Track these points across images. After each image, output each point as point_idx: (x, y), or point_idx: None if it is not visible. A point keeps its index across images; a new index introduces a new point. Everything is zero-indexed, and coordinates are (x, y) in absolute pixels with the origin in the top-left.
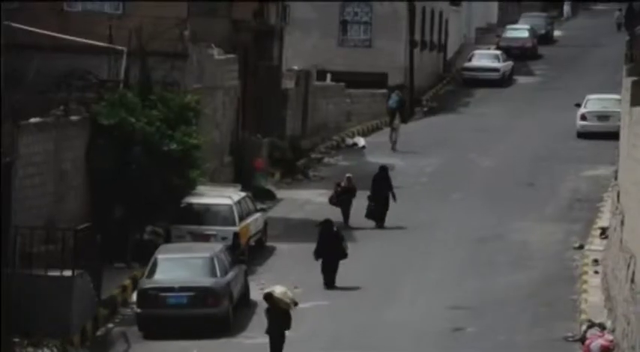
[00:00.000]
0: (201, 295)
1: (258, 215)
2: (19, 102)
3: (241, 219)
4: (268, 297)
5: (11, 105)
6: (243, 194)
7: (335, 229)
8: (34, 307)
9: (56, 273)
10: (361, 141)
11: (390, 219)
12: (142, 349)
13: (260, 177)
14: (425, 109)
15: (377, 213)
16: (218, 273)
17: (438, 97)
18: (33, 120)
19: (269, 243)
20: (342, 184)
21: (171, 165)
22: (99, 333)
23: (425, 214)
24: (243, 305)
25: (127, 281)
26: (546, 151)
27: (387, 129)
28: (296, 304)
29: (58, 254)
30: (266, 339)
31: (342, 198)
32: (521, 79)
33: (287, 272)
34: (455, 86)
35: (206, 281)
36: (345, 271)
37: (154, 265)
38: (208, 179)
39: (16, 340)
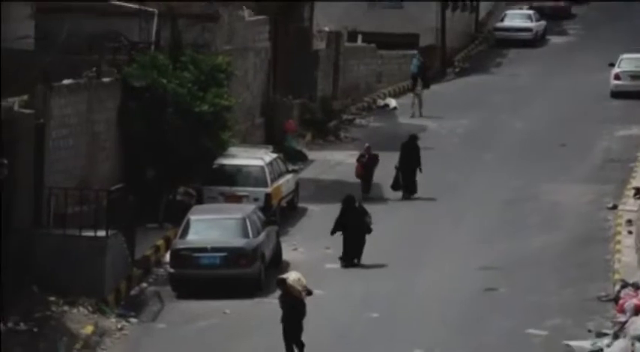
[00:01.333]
0: (233, 256)
1: (289, 176)
2: (52, 64)
3: (273, 180)
4: (281, 283)
5: (43, 68)
6: (274, 155)
7: (357, 204)
8: (69, 267)
9: (90, 234)
10: (392, 103)
11: (421, 182)
12: (175, 309)
13: (291, 139)
14: (457, 70)
15: (405, 184)
16: (250, 234)
17: (470, 58)
18: (65, 82)
19: (300, 204)
20: (366, 155)
21: (203, 127)
22: (133, 293)
23: (456, 175)
24: (275, 265)
25: (160, 242)
26: (579, 111)
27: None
28: (309, 293)
29: (91, 215)
30: None
31: (368, 168)
32: (554, 39)
33: (318, 233)
34: (487, 47)
35: (238, 241)
36: (376, 233)
37: (187, 226)
38: (240, 140)
39: (52, 299)
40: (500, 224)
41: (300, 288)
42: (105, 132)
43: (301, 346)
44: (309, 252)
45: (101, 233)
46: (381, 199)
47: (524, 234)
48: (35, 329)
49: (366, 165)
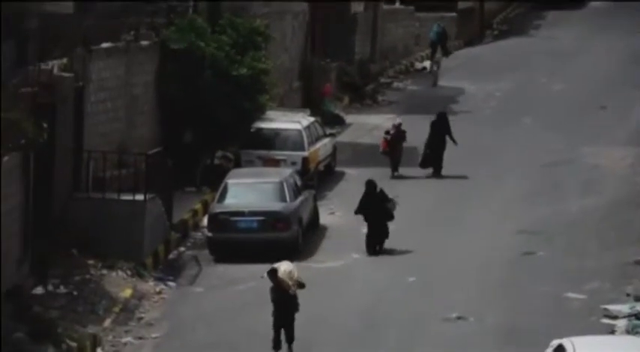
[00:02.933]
0: (270, 219)
1: (327, 140)
2: (90, 28)
3: (310, 143)
4: (271, 274)
5: (83, 31)
6: (312, 119)
7: (379, 190)
8: (108, 230)
9: (129, 197)
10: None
11: (459, 147)
12: (213, 272)
13: (329, 102)
14: (495, 33)
15: (433, 161)
16: (287, 198)
17: (509, 20)
18: (104, 45)
19: (338, 168)
20: (391, 132)
21: (241, 90)
22: (171, 257)
23: (494, 139)
24: (313, 229)
25: (198, 206)
26: (619, 75)
27: (456, 53)
28: (301, 286)
29: (130, 178)
30: (336, 262)
31: (393, 144)
32: (593, 2)
33: (355, 197)
34: (525, 9)
35: (276, 205)
36: (415, 197)
37: (225, 190)
38: (277, 104)
39: (91, 263)
40: (539, 187)
41: (290, 282)
42: (143, 95)
43: (291, 340)
44: (346, 216)
45: (139, 197)
46: (410, 177)
47: (563, 198)
48: (74, 292)
49: (391, 142)
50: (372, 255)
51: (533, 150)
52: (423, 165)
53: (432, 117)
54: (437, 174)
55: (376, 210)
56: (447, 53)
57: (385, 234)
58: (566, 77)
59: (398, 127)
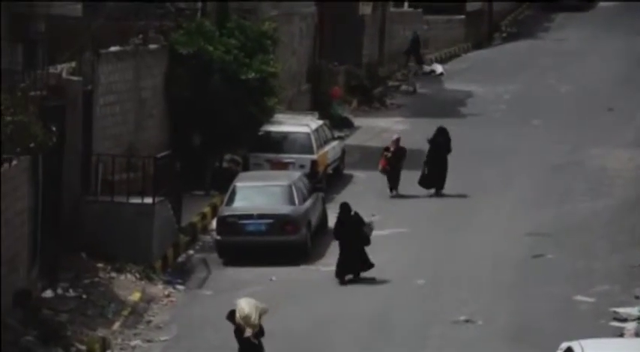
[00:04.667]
0: (279, 222)
1: (335, 143)
2: (99, 31)
3: (319, 146)
4: (230, 316)
5: (91, 34)
6: (320, 122)
7: (353, 212)
8: (117, 234)
9: (137, 201)
10: (439, 68)
11: (468, 148)
12: (222, 275)
13: (337, 105)
14: (504, 35)
15: (433, 179)
16: (296, 201)
17: (517, 22)
18: (112, 49)
19: (346, 171)
20: (392, 148)
21: (249, 94)
22: (180, 260)
23: (503, 141)
24: (321, 232)
25: (207, 209)
26: (627, 76)
27: (464, 56)
28: (260, 334)
29: (138, 181)
30: None
31: (393, 163)
32: (603, 3)
33: (364, 199)
34: (534, 11)
35: (284, 208)
36: (421, 203)
37: (233, 193)
38: (286, 107)
39: (100, 266)
40: (548, 189)
41: (247, 327)
42: (152, 99)
43: None
44: None
45: (148, 200)
46: (411, 196)
47: (571, 200)
48: (84, 296)
49: (391, 161)
50: (342, 283)
51: (542, 152)
52: (423, 183)
53: (437, 126)
54: (439, 192)
55: (351, 234)
56: (419, 61)
57: (365, 261)
58: (574, 79)
59: (397, 143)
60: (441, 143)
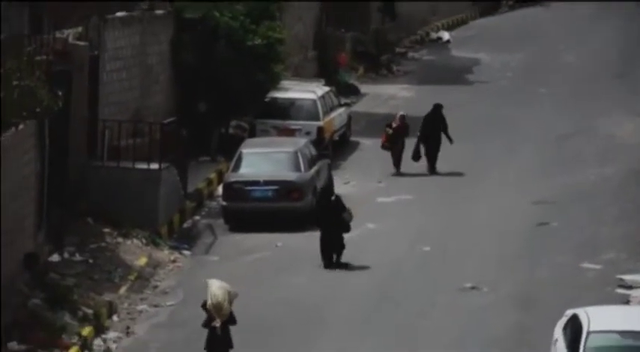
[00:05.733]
0: (285, 189)
1: (342, 110)
2: None
3: (325, 113)
4: (203, 306)
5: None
6: (327, 88)
7: (334, 197)
8: (123, 199)
9: (144, 166)
10: (445, 36)
11: (474, 118)
12: (228, 241)
13: (344, 72)
14: (510, 3)
15: (428, 156)
16: (302, 168)
17: None
18: (119, 14)
19: (353, 138)
20: (394, 125)
21: (256, 60)
22: (186, 225)
23: (510, 110)
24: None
25: (213, 175)
26: (636, 44)
27: (472, 23)
28: (230, 322)
29: (144, 147)
30: (350, 233)
31: (394, 140)
32: None
33: (370, 166)
34: None
35: (290, 175)
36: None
37: (239, 159)
38: (292, 73)
39: (106, 231)
40: (555, 158)
41: (217, 317)
42: (158, 65)
43: None
44: (361, 185)
45: (154, 166)
46: (414, 174)
47: (578, 168)
48: (90, 260)
49: (393, 136)
50: (328, 267)
51: (549, 120)
52: (415, 158)
53: (439, 101)
54: (431, 170)
55: (330, 219)
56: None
57: (341, 245)
58: (583, 47)
59: (401, 120)
60: (435, 120)
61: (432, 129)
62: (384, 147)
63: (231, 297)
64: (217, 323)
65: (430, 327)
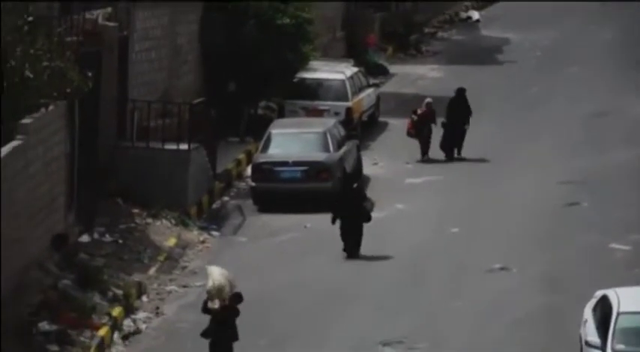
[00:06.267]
0: (314, 169)
1: (370, 90)
2: None
3: (354, 94)
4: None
5: None
6: (355, 69)
7: (355, 186)
8: (152, 180)
9: (173, 147)
10: (475, 15)
11: (503, 97)
12: (257, 222)
13: (373, 52)
14: None
15: (452, 143)
16: (331, 148)
17: None
18: None
19: (381, 119)
20: (419, 111)
21: (284, 40)
22: (214, 206)
23: (539, 89)
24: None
25: (242, 156)
26: None
27: (502, 2)
28: (229, 307)
29: (173, 128)
30: (379, 213)
31: (420, 127)
32: None
33: (399, 147)
34: None
35: (319, 155)
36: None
37: (268, 140)
38: (321, 54)
39: (136, 211)
40: (584, 137)
41: (217, 299)
42: (187, 45)
43: None
44: (389, 166)
45: (183, 146)
46: (442, 161)
47: (608, 148)
48: (120, 241)
49: (418, 123)
50: (349, 257)
51: (579, 99)
52: (444, 146)
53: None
54: (454, 157)
55: (352, 209)
56: None
57: (359, 235)
58: (614, 26)
59: (428, 106)
60: (459, 105)
61: (457, 114)
62: (409, 134)
63: (232, 284)
64: (216, 305)
65: (458, 308)
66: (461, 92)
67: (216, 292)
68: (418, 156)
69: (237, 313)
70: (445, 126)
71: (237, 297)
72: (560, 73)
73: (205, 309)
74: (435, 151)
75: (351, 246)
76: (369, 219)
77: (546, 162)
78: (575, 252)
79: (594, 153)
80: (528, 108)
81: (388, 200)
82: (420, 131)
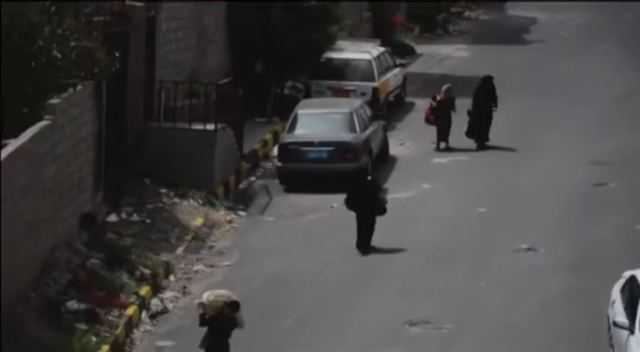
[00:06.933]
0: (340, 150)
1: (397, 70)
2: None
3: (380, 74)
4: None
5: None
6: (382, 49)
7: (370, 177)
8: (179, 160)
9: (199, 127)
10: None
11: (530, 77)
12: (283, 202)
13: (399, 32)
14: None
15: (478, 130)
16: (357, 128)
17: None
18: None
19: (408, 99)
20: (438, 97)
21: (311, 20)
22: (241, 186)
23: (567, 69)
24: (383, 160)
25: (268, 136)
26: None
27: None
28: (229, 326)
29: (200, 108)
30: (406, 193)
31: (439, 113)
32: None
33: (425, 127)
34: None
35: (345, 136)
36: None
37: (294, 120)
38: (347, 34)
39: (163, 191)
40: (613, 117)
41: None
42: (214, 25)
43: None
44: (415, 146)
45: (210, 126)
46: (462, 150)
47: (636, 129)
48: (147, 221)
49: (437, 110)
50: (365, 254)
51: (607, 80)
52: (470, 134)
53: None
54: (482, 145)
55: (365, 202)
56: None
57: (372, 227)
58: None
59: (446, 92)
60: (486, 92)
61: (483, 102)
62: (427, 120)
63: (228, 298)
64: (200, 310)
65: (485, 288)
66: (487, 80)
67: (209, 303)
68: (434, 150)
69: (233, 322)
70: (471, 114)
71: (234, 304)
72: (589, 53)
73: (202, 322)
74: (455, 140)
75: (363, 241)
76: (384, 211)
77: (574, 142)
78: (604, 233)
79: (623, 134)
80: (556, 88)
81: (414, 180)
82: (438, 118)
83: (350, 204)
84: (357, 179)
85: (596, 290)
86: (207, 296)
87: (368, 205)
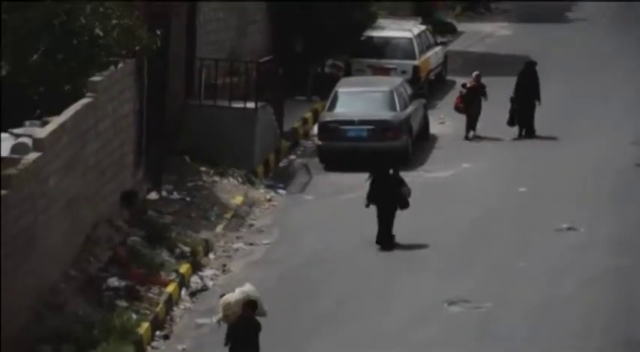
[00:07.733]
0: (380, 128)
1: (438, 48)
2: None
3: (421, 52)
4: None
5: None
6: (423, 27)
7: (392, 171)
8: (219, 138)
9: (240, 105)
10: None
11: (571, 56)
12: (323, 180)
13: (441, 11)
14: None
15: (522, 119)
16: (397, 107)
17: None
18: None
19: (449, 77)
20: (468, 84)
21: None
22: (281, 165)
23: (609, 48)
24: (423, 138)
25: (308, 114)
26: None
27: None
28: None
29: (241, 86)
30: (446, 172)
31: (469, 101)
32: None
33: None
34: None
35: (385, 114)
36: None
37: (335, 98)
38: (388, 12)
39: (203, 169)
40: None
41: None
42: (254, 4)
43: None
44: (456, 125)
45: (250, 104)
46: (492, 139)
47: None
48: (187, 198)
49: (467, 97)
50: (385, 250)
51: None
52: (511, 122)
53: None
54: (528, 134)
55: (387, 196)
56: None
57: (391, 223)
58: None
59: (477, 79)
60: (529, 79)
61: (526, 89)
62: (457, 108)
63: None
64: (217, 318)
65: (525, 268)
66: (530, 66)
67: (225, 316)
68: (461, 139)
69: (256, 325)
70: (513, 101)
71: (250, 304)
72: (632, 32)
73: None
74: (484, 129)
75: (382, 236)
76: (406, 204)
77: (617, 121)
78: None
79: None
80: (598, 67)
81: (454, 159)
82: (468, 105)
83: (372, 198)
84: (378, 173)
85: (636, 269)
86: (222, 307)
87: (390, 199)
